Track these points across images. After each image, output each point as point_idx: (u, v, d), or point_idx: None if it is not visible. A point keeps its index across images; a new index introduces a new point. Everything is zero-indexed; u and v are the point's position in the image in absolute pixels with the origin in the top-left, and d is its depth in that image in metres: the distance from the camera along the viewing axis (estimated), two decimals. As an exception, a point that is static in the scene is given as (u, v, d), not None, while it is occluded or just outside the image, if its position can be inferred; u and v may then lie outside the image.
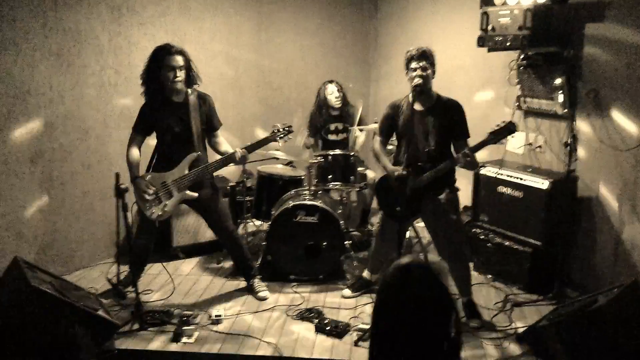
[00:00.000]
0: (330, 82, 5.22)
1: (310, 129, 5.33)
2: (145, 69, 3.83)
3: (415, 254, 4.44)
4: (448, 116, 3.72)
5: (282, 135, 4.03)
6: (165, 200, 3.88)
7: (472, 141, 3.68)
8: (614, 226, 3.93)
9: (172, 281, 4.32)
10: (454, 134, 3.74)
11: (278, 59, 6.09)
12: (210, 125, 4.04)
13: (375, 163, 4.12)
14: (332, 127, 5.27)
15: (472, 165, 3.60)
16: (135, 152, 3.93)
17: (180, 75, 3.79)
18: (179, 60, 3.77)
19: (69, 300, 3.20)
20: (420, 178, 3.66)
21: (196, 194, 3.91)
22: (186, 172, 3.88)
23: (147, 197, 3.83)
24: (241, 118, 5.78)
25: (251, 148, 3.96)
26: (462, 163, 3.53)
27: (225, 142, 4.11)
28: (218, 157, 4.01)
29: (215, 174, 4.13)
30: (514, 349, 3.48)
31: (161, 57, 3.76)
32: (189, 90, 3.91)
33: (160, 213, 3.88)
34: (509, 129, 3.47)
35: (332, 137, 5.28)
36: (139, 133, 3.97)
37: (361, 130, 5.14)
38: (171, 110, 3.87)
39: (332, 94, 5.16)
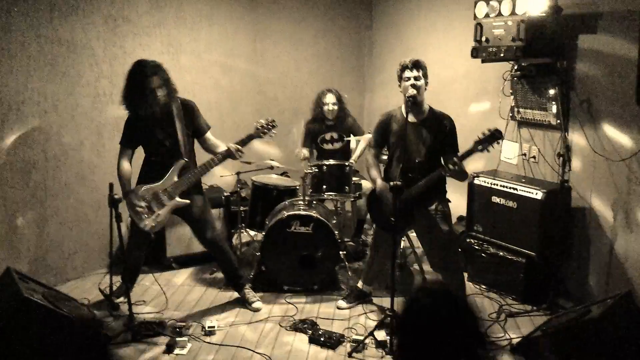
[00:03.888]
0: (330, 90, 5.20)
1: (305, 138, 5.32)
2: (125, 91, 3.79)
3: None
4: (440, 129, 3.73)
5: (265, 131, 3.96)
6: (157, 210, 3.89)
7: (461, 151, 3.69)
8: (607, 237, 3.93)
9: (164, 293, 4.29)
10: (444, 147, 3.74)
11: (273, 69, 6.11)
12: (198, 129, 4.02)
13: (367, 174, 4.11)
14: (328, 136, 5.26)
15: (461, 174, 3.59)
16: (125, 166, 3.92)
17: (161, 92, 3.76)
18: (156, 80, 3.73)
19: (62, 311, 3.18)
20: (411, 189, 3.67)
21: (187, 201, 3.92)
22: (175, 179, 3.88)
23: (139, 209, 3.85)
24: (236, 127, 5.75)
25: (245, 142, 3.93)
26: (450, 172, 3.53)
27: (219, 142, 4.05)
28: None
29: (210, 183, 4.12)
30: (508, 359, 3.47)
31: (139, 81, 3.72)
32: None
33: (153, 224, 3.90)
34: (495, 136, 3.48)
35: (327, 146, 5.28)
36: (127, 146, 3.96)
37: (358, 140, 5.14)
38: (156, 122, 3.85)
39: (328, 104, 5.15)
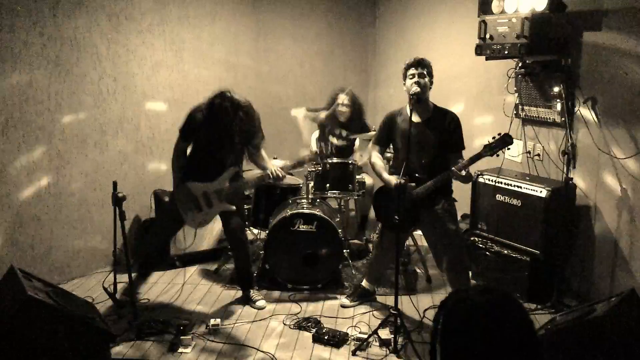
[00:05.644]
0: (342, 91, 5.10)
1: (314, 110, 5.30)
2: (203, 119, 3.88)
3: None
4: (445, 127, 3.71)
5: (314, 164, 4.38)
6: (206, 209, 4.00)
7: (468, 152, 3.67)
8: (612, 235, 3.92)
9: (169, 290, 4.29)
10: (450, 146, 3.73)
11: (276, 66, 6.10)
12: (252, 141, 4.08)
13: (372, 172, 4.10)
14: (337, 131, 5.23)
15: (467, 179, 3.58)
16: (182, 158, 4.04)
17: (237, 128, 3.85)
18: (237, 124, 3.83)
19: (66, 309, 3.19)
20: (419, 189, 3.65)
21: (234, 207, 4.03)
22: (226, 184, 3.98)
23: (192, 204, 3.97)
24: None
25: (288, 168, 4.11)
26: (459, 177, 3.51)
27: (266, 157, 4.19)
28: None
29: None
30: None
31: (217, 122, 3.82)
32: None
33: (200, 220, 4.06)
34: (505, 141, 3.46)
35: (334, 140, 5.24)
36: (186, 140, 4.04)
37: (364, 140, 5.12)
38: (220, 126, 3.86)
39: (340, 105, 5.08)
